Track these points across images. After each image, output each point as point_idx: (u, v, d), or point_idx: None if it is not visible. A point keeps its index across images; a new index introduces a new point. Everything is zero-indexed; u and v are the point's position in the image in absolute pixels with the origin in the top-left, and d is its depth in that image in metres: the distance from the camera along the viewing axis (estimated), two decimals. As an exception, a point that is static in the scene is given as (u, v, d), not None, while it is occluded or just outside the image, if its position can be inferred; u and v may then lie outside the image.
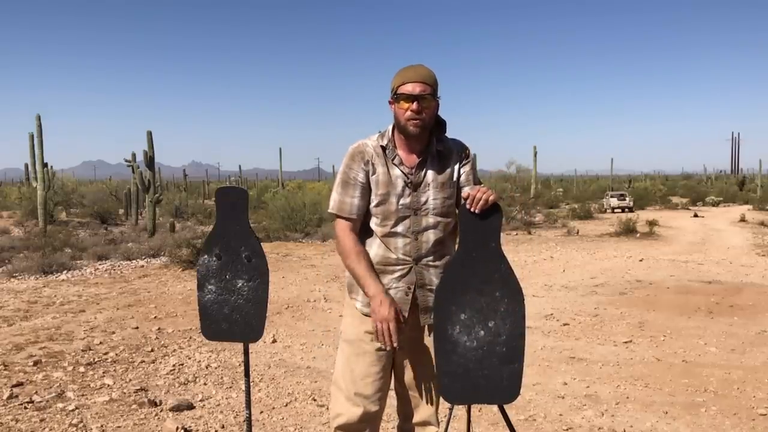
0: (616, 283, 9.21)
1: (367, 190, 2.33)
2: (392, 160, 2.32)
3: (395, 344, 2.21)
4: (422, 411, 2.44)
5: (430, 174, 2.31)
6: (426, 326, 2.38)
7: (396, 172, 2.31)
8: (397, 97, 2.25)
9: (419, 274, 2.32)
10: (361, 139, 2.39)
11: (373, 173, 2.32)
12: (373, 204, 2.33)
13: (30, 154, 17.44)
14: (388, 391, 2.44)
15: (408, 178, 2.30)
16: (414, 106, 2.22)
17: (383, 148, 2.33)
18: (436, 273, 2.33)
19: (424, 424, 2.45)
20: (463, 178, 2.37)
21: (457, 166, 2.36)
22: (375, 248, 2.34)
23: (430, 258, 2.32)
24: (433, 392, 2.41)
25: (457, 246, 2.23)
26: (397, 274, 2.32)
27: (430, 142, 2.33)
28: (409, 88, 2.22)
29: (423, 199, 2.31)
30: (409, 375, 2.42)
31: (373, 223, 2.34)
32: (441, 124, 2.36)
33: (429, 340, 2.36)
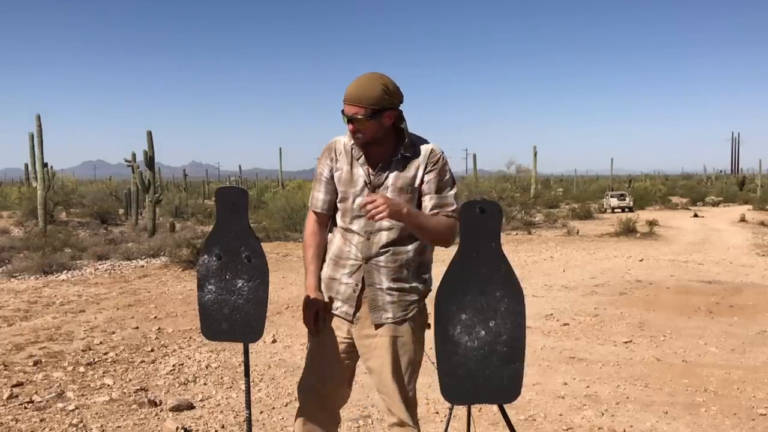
0: (616, 283, 9.21)
1: (332, 185, 2.40)
2: (357, 159, 2.36)
3: (316, 334, 2.40)
4: (394, 412, 2.41)
5: (391, 177, 2.31)
6: (376, 326, 2.37)
7: (359, 171, 2.35)
8: (342, 112, 2.28)
9: (368, 272, 2.33)
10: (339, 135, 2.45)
11: (337, 170, 2.38)
12: (337, 199, 2.40)
13: (30, 154, 17.44)
14: (344, 381, 2.48)
15: (369, 179, 2.33)
16: (350, 126, 2.26)
17: (352, 147, 2.37)
18: (386, 273, 2.33)
19: (398, 425, 2.41)
20: (425, 187, 2.33)
21: (420, 173, 2.32)
22: (336, 241, 2.41)
23: (381, 259, 2.33)
24: (399, 392, 2.37)
25: (458, 246, 2.23)
26: (347, 270, 2.36)
27: (396, 146, 2.33)
28: (346, 109, 2.25)
29: None
30: (374, 377, 2.43)
31: (337, 217, 2.41)
32: (401, 132, 2.33)
33: (382, 341, 2.35)
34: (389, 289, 2.33)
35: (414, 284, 2.37)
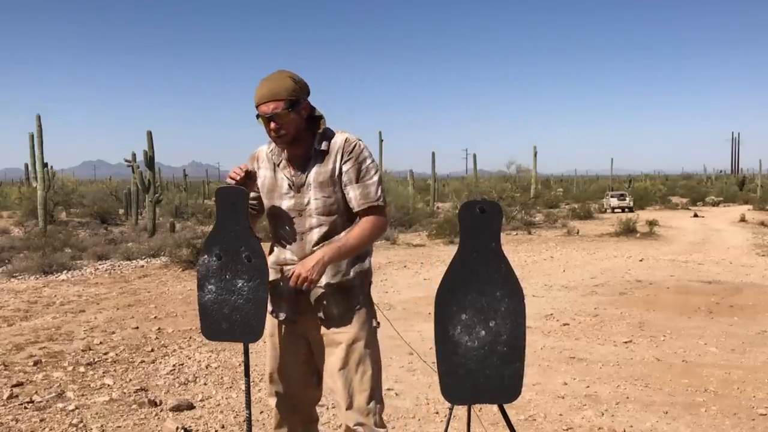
0: (616, 283, 9.21)
1: (255, 191, 2.41)
2: (278, 165, 2.35)
3: (242, 176, 2.28)
4: (340, 417, 2.39)
5: (312, 174, 2.29)
6: (321, 325, 2.36)
7: (281, 175, 2.34)
8: (257, 117, 2.25)
9: None
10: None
11: (260, 177, 2.39)
12: (266, 208, 2.40)
13: (30, 154, 17.46)
14: (309, 379, 2.47)
15: (291, 181, 2.31)
16: (272, 125, 2.22)
17: (272, 154, 2.38)
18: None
19: (347, 430, 2.37)
20: (345, 177, 2.29)
21: (338, 164, 2.28)
22: (275, 249, 2.42)
23: None
24: (347, 394, 2.33)
25: (458, 246, 2.23)
26: (288, 274, 2.33)
27: (313, 140, 2.30)
28: (263, 109, 2.21)
29: (305, 200, 2.30)
30: (326, 379, 2.41)
31: (271, 227, 2.41)
32: (316, 120, 2.31)
33: (329, 341, 2.34)
34: (328, 285, 2.30)
35: (353, 275, 2.33)
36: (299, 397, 2.49)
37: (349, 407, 2.32)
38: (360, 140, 2.32)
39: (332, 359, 2.34)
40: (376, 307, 2.45)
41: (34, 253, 11.28)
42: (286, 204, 2.34)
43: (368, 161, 2.30)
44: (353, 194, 2.28)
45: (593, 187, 51.83)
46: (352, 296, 2.34)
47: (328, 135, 2.31)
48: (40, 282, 9.57)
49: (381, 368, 2.42)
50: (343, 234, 2.30)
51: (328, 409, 4.01)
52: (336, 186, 2.29)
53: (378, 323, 2.43)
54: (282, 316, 2.42)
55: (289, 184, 2.33)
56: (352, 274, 2.33)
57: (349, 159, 2.27)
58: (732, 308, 7.33)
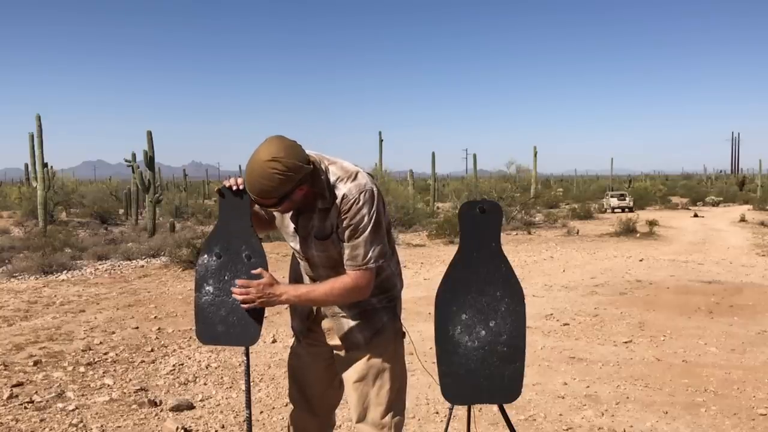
0: (616, 283, 9.20)
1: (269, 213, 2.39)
2: None
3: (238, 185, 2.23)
4: (355, 429, 2.34)
5: (315, 229, 2.21)
6: (341, 355, 2.33)
7: (288, 216, 2.27)
8: None
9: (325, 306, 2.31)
10: None
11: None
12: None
13: (30, 154, 17.47)
14: (326, 384, 2.46)
15: (296, 227, 2.25)
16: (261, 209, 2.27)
17: None
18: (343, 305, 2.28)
19: None
20: (341, 235, 2.16)
21: (335, 221, 2.16)
22: (295, 268, 2.46)
23: None
24: (355, 408, 2.30)
25: (458, 246, 2.23)
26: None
27: (315, 201, 2.18)
28: (253, 197, 2.09)
29: (310, 251, 2.25)
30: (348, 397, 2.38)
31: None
32: (319, 192, 2.15)
33: (350, 359, 2.30)
34: (351, 314, 2.26)
35: (374, 300, 2.27)
36: (319, 403, 2.48)
37: (360, 420, 2.29)
38: (362, 192, 2.11)
39: (350, 371, 2.31)
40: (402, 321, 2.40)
41: (34, 253, 11.28)
42: (293, 245, 2.31)
43: (365, 220, 2.11)
44: (345, 252, 2.17)
45: (593, 187, 51.84)
46: (376, 318, 2.28)
47: (333, 190, 2.15)
48: (40, 282, 9.57)
49: (405, 384, 2.38)
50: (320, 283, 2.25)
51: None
52: (336, 242, 2.19)
53: (404, 334, 2.38)
54: (295, 327, 2.44)
55: (295, 229, 2.27)
56: (374, 298, 2.27)
57: (345, 218, 2.12)
58: (732, 308, 7.33)
